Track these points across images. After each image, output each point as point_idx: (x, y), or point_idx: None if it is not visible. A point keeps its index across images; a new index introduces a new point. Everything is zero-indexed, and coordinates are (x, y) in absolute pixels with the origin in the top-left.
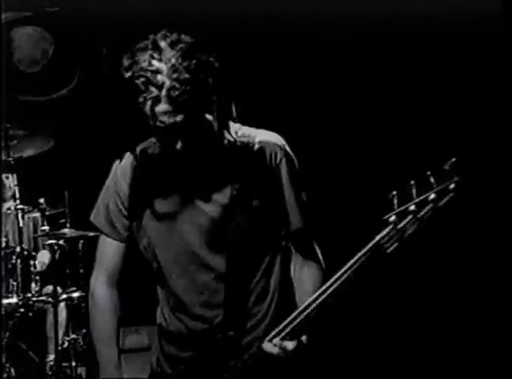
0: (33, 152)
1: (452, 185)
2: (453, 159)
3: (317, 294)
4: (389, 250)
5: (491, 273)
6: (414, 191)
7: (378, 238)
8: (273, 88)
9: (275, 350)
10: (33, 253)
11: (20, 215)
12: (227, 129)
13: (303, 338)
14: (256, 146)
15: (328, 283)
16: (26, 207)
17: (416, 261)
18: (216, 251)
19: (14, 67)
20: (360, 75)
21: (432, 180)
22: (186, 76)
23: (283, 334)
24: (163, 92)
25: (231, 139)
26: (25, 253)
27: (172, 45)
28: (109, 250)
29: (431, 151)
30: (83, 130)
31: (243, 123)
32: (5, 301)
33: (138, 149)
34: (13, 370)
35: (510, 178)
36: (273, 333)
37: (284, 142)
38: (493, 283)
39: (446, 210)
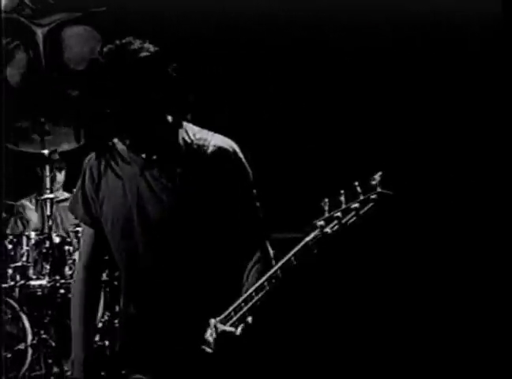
0: (68, 147)
1: (373, 196)
2: (380, 173)
3: (254, 287)
4: (315, 251)
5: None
6: (343, 199)
7: (305, 240)
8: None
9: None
10: (68, 240)
11: (49, 204)
12: (179, 128)
13: (249, 319)
14: (210, 149)
15: (264, 278)
16: (56, 196)
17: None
18: (170, 242)
19: (64, 64)
20: (356, 74)
21: (359, 190)
22: (142, 83)
23: (231, 321)
24: (119, 95)
25: (188, 140)
26: (59, 239)
27: (134, 53)
28: (87, 237)
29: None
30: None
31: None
32: (36, 282)
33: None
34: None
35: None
36: (221, 318)
37: (236, 148)
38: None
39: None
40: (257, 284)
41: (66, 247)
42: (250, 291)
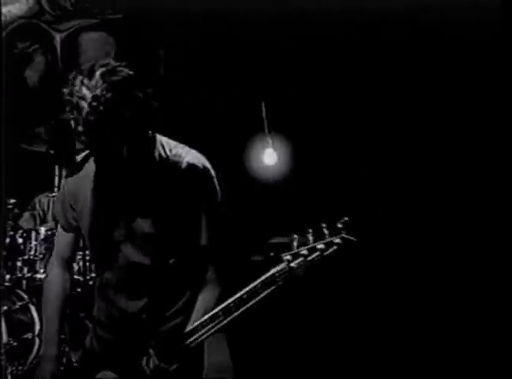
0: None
1: (337, 240)
2: (346, 218)
3: (213, 313)
4: (279, 283)
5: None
6: (310, 237)
7: (272, 271)
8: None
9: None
10: None
11: None
12: (154, 143)
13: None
14: (183, 165)
15: (224, 305)
16: None
17: None
18: (143, 254)
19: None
20: (355, 75)
21: (325, 231)
22: (105, 107)
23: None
24: (82, 116)
25: (164, 155)
26: None
27: (104, 75)
28: (61, 239)
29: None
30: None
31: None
32: (43, 275)
33: (83, 155)
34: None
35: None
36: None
37: (208, 166)
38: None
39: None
40: (215, 310)
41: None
42: (205, 317)
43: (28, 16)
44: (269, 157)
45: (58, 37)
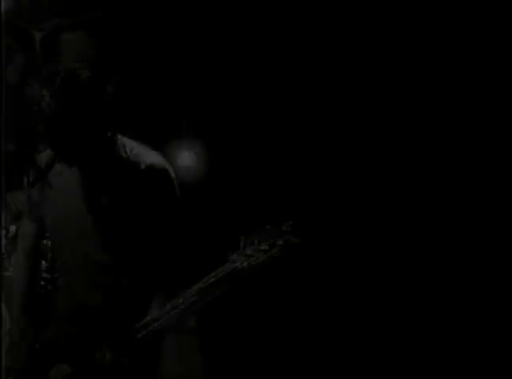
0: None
1: (280, 242)
2: (290, 222)
3: (169, 307)
4: (225, 282)
5: None
6: (255, 239)
7: (218, 270)
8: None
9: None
10: (46, 234)
11: None
12: (116, 143)
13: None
14: (142, 166)
15: (173, 301)
16: None
17: None
18: (103, 251)
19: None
20: (353, 72)
21: (270, 233)
22: (69, 108)
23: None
24: (47, 118)
25: (124, 155)
26: None
27: (64, 80)
28: (26, 230)
29: None
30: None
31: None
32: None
33: (46, 153)
34: None
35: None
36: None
37: (169, 168)
38: None
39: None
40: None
41: (44, 241)
42: (155, 313)
43: (8, 14)
44: (185, 159)
45: (37, 36)
